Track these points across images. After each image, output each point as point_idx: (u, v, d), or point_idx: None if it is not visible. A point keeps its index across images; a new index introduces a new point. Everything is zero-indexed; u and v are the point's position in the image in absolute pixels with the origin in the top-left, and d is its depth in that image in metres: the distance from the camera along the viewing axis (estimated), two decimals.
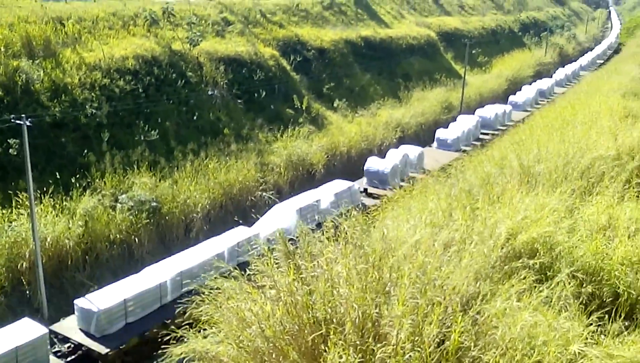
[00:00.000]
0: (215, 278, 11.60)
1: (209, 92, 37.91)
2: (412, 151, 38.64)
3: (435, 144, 44.40)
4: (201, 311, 11.50)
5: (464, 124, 46.86)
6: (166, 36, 39.37)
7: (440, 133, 44.60)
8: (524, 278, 10.92)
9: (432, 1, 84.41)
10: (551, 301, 10.55)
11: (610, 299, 11.77)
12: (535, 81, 70.79)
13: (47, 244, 23.86)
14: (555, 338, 9.58)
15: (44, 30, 32.76)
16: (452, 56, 70.19)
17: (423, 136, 47.19)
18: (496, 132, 48.69)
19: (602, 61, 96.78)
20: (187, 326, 11.50)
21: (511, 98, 60.97)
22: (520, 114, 56.10)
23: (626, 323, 10.80)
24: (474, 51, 71.39)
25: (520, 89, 64.99)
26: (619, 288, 11.83)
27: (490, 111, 52.36)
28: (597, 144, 19.89)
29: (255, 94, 40.71)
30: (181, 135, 34.27)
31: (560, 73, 77.50)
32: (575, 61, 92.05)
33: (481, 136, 47.73)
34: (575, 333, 9.82)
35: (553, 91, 69.07)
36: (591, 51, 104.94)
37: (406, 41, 63.75)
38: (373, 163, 35.73)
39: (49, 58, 31.65)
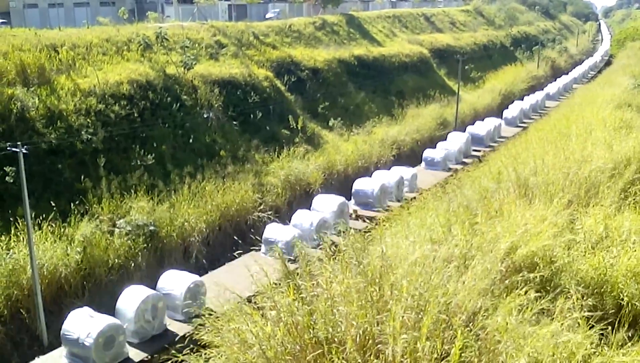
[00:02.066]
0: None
1: (204, 115, 37.98)
2: (404, 172, 37.92)
3: (423, 164, 43.43)
4: (202, 335, 11.44)
5: (454, 142, 46.33)
6: (160, 60, 39.51)
7: (428, 153, 43.70)
8: (525, 292, 10.89)
9: (424, 19, 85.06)
10: (553, 314, 10.52)
11: (612, 309, 11.74)
12: (527, 95, 70.43)
13: (45, 271, 23.73)
14: (558, 350, 9.54)
15: (38, 58, 32.86)
16: (445, 72, 70.55)
17: (419, 152, 47.18)
18: (487, 149, 48.08)
19: (594, 73, 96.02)
20: (189, 350, 11.43)
21: (505, 113, 60.85)
22: (513, 129, 55.91)
23: (629, 334, 10.76)
24: (466, 67, 71.80)
25: (513, 103, 64.94)
26: (622, 299, 11.81)
27: (481, 127, 51.79)
28: (592, 155, 19.96)
29: (251, 116, 40.80)
30: (177, 158, 34.27)
31: (552, 87, 77.31)
32: (567, 73, 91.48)
33: (473, 153, 47.13)
34: (579, 344, 9.78)
35: (544, 104, 69.02)
36: (581, 64, 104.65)
37: (399, 59, 64.12)
38: (361, 185, 35.11)
39: (44, 85, 31.71)
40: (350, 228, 14.26)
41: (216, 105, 39.24)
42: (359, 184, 35.07)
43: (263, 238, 27.82)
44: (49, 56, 33.79)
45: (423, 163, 43.29)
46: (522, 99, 67.53)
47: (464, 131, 51.29)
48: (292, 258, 20.01)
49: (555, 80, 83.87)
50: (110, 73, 35.46)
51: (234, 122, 39.85)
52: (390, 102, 56.12)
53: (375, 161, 44.25)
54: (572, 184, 17.55)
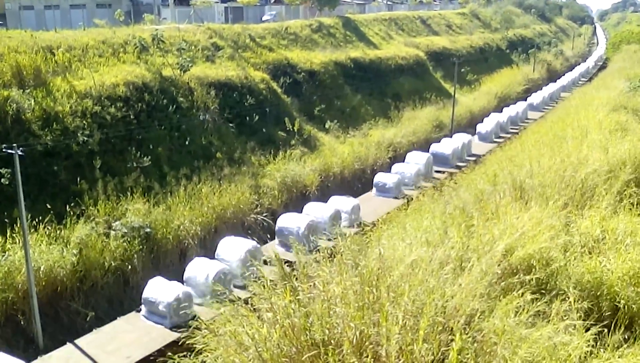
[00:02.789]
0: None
1: (201, 117, 37.96)
2: (344, 204, 32.52)
3: (373, 190, 38.23)
4: (197, 338, 11.42)
5: (411, 164, 40.91)
6: (156, 62, 39.50)
7: (380, 177, 38.32)
8: (522, 294, 10.90)
9: (420, 21, 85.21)
10: (550, 317, 10.54)
11: (608, 311, 11.77)
12: (508, 106, 65.22)
13: (41, 273, 23.68)
14: (555, 352, 9.55)
15: (34, 60, 32.82)
16: (441, 75, 70.68)
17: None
18: (453, 169, 41.83)
19: (585, 80, 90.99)
20: (186, 352, 11.41)
21: (478, 128, 54.59)
22: (486, 146, 50.28)
23: (625, 336, 10.78)
24: (463, 70, 71.93)
25: (489, 115, 58.54)
26: (618, 302, 11.83)
27: (447, 145, 45.92)
28: (588, 157, 20.01)
29: (247, 118, 40.81)
30: (174, 160, 34.24)
31: (537, 96, 71.31)
32: (556, 81, 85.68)
33: (435, 176, 41.60)
34: (575, 347, 9.79)
35: (526, 116, 63.38)
36: (571, 70, 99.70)
37: (395, 61, 64.22)
38: (286, 222, 29.47)
39: (40, 87, 31.67)
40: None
41: (212, 107, 39.24)
42: (283, 222, 29.57)
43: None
44: (44, 57, 33.74)
45: (374, 189, 38.19)
46: (501, 111, 61.55)
47: (463, 132, 51.15)
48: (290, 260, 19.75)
49: (542, 88, 78.37)
50: (107, 75, 35.43)
51: (230, 125, 39.84)
52: (386, 105, 56.21)
53: (371, 163, 44.28)
54: (568, 187, 17.58)
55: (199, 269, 24.81)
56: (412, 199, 31.72)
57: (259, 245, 26.33)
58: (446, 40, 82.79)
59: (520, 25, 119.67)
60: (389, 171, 39.88)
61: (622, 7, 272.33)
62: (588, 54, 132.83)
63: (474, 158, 45.23)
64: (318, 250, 12.01)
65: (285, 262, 12.52)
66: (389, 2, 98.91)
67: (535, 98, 70.47)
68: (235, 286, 23.85)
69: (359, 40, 65.12)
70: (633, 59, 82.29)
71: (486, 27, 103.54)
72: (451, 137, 49.47)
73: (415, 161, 41.33)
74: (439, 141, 47.67)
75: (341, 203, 32.62)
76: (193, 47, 43.96)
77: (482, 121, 56.15)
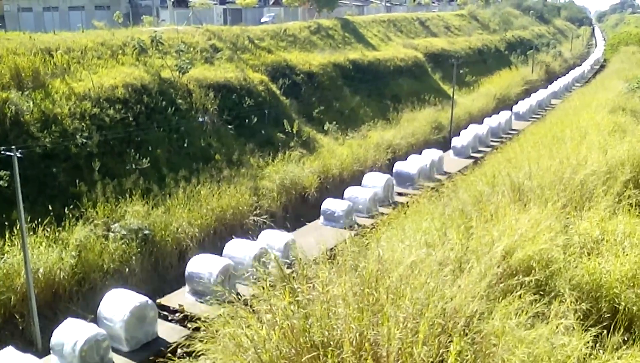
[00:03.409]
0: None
1: (199, 119, 37.94)
2: (278, 239, 28.05)
3: (321, 218, 33.88)
4: (196, 340, 11.41)
5: (367, 187, 36.74)
6: (155, 64, 39.49)
7: (328, 204, 33.39)
8: (521, 296, 10.91)
9: (418, 23, 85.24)
10: (549, 318, 10.54)
11: (608, 313, 11.78)
12: (497, 113, 61.74)
13: (39, 275, 23.65)
14: (554, 354, 9.55)
15: (32, 62, 32.79)
16: (440, 77, 70.70)
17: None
18: (417, 192, 34.42)
19: (580, 85, 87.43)
20: (184, 355, 11.40)
21: (454, 141, 50.09)
22: (461, 162, 45.79)
23: (625, 338, 10.79)
24: (461, 71, 71.96)
25: (468, 127, 53.53)
26: (617, 304, 11.84)
27: (414, 163, 41.13)
28: (587, 159, 20.03)
29: (246, 120, 40.79)
30: (172, 162, 34.22)
31: (523, 105, 66.87)
32: (547, 87, 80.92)
33: (397, 199, 37.19)
34: (574, 348, 9.80)
35: (510, 126, 59.67)
36: (564, 76, 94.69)
37: (394, 63, 64.22)
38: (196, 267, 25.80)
39: (38, 89, 31.65)
40: None
41: (211, 109, 39.23)
42: (193, 267, 25.79)
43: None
44: (43, 59, 33.72)
45: (321, 217, 33.98)
46: (482, 122, 57.12)
47: (459, 135, 50.95)
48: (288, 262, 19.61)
49: (530, 95, 73.91)
50: (105, 77, 35.42)
51: (229, 126, 39.83)
52: (385, 106, 56.20)
53: (370, 164, 44.27)
54: (566, 188, 17.60)
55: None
56: (366, 229, 21.82)
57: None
58: (445, 42, 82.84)
59: (519, 26, 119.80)
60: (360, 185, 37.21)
61: (621, 8, 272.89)
62: (586, 55, 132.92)
63: (445, 176, 39.84)
64: (239, 298, 11.59)
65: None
66: (387, 4, 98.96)
67: (522, 106, 66.12)
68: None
69: (357, 41, 65.13)
70: (631, 61, 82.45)
71: (485, 28, 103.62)
72: (421, 152, 46.32)
73: (373, 183, 37.15)
74: (405, 159, 43.93)
75: (272, 238, 28.19)
76: (192, 49, 43.96)
77: (458, 134, 51.85)
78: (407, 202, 28.20)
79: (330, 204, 33.44)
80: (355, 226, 29.84)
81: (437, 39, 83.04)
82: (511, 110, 64.73)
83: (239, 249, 26.95)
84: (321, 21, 64.98)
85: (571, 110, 41.97)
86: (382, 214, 31.29)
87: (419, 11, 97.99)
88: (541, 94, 74.80)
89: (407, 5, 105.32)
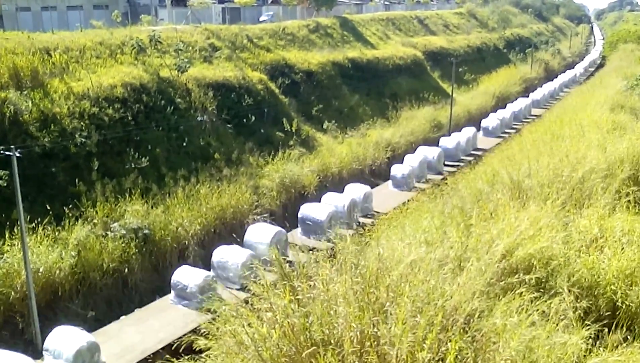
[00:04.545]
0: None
1: (198, 118, 37.93)
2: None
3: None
4: (197, 337, 11.44)
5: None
6: (154, 63, 39.46)
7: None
8: (521, 293, 10.91)
9: (417, 21, 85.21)
10: (549, 316, 10.55)
11: (608, 311, 11.79)
12: (496, 111, 59.78)
13: (39, 275, 23.65)
14: (554, 351, 9.56)
15: (31, 61, 32.75)
16: (439, 75, 70.70)
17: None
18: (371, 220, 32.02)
19: (567, 90, 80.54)
20: (183, 354, 11.42)
21: (402, 163, 41.65)
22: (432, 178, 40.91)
23: (626, 336, 10.81)
24: (460, 69, 71.97)
25: (440, 139, 48.56)
26: (617, 300, 11.85)
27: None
28: (586, 156, 20.03)
29: (245, 119, 40.77)
30: (172, 161, 34.21)
31: (493, 119, 57.87)
32: (528, 95, 73.00)
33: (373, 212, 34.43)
34: (574, 346, 9.80)
35: (475, 145, 51.62)
36: (553, 80, 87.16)
37: (393, 61, 64.22)
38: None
39: (37, 88, 31.62)
40: None
41: (210, 108, 39.21)
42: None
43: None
44: (42, 59, 33.68)
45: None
46: (460, 130, 51.35)
47: (456, 133, 50.56)
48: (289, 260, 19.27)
49: (509, 105, 65.63)
50: (104, 76, 35.39)
51: (228, 125, 39.83)
52: (384, 105, 56.21)
53: (369, 163, 44.28)
54: (566, 186, 17.60)
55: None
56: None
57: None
58: (444, 40, 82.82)
59: (518, 24, 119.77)
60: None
61: (619, 6, 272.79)
62: (585, 53, 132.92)
63: (394, 205, 33.14)
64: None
65: None
66: (386, 2, 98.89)
67: (491, 121, 57.18)
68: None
69: (356, 40, 65.11)
70: (630, 58, 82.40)
71: (483, 26, 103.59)
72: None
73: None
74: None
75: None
76: (190, 48, 43.93)
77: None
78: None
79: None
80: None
81: (436, 37, 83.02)
82: (479, 125, 57.01)
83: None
84: (320, 20, 64.96)
85: (570, 108, 41.95)
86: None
87: (417, 9, 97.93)
88: (519, 104, 66.30)
89: (406, 3, 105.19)
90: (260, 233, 28.95)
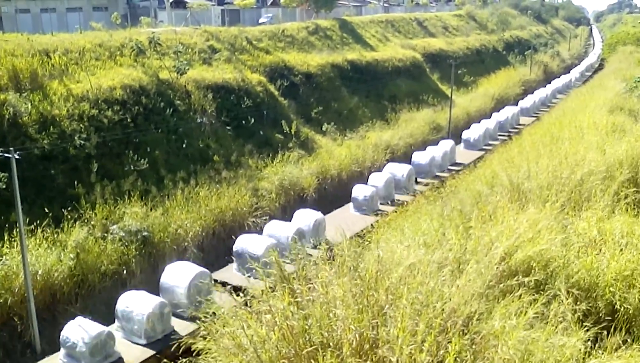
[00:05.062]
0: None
1: (198, 120, 37.93)
2: None
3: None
4: (196, 339, 11.42)
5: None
6: (153, 65, 39.47)
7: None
8: (520, 296, 10.92)
9: (416, 23, 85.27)
10: (548, 318, 10.55)
11: (607, 314, 11.78)
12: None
13: (38, 277, 23.60)
14: (552, 354, 9.56)
15: (30, 63, 32.76)
16: (438, 77, 70.72)
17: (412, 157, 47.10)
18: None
19: (555, 102, 72.66)
20: (181, 357, 11.41)
21: (371, 180, 37.24)
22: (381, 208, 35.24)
23: (626, 338, 10.80)
24: (459, 71, 71.98)
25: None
26: (615, 303, 11.85)
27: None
28: (585, 159, 20.05)
29: (244, 121, 40.76)
30: (171, 163, 34.20)
31: (490, 121, 55.36)
32: (516, 104, 67.64)
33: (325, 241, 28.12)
34: (573, 348, 9.80)
35: (455, 160, 46.12)
36: (545, 86, 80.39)
37: (392, 63, 64.24)
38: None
39: (36, 90, 31.61)
40: None
41: (209, 110, 39.20)
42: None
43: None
44: (41, 61, 33.69)
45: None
46: (437, 144, 46.33)
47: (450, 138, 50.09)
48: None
49: (498, 111, 61.71)
50: (103, 78, 35.39)
51: (228, 127, 39.82)
52: (383, 107, 56.21)
53: (369, 165, 44.27)
54: (565, 188, 17.62)
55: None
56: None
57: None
58: (443, 42, 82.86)
59: (517, 26, 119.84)
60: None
61: (618, 8, 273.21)
62: (584, 55, 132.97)
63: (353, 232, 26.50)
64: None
65: None
66: (385, 4, 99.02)
67: (472, 133, 51.56)
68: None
69: (355, 42, 65.15)
70: (629, 60, 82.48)
71: (482, 28, 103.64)
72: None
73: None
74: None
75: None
76: (190, 50, 43.95)
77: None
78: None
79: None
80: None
81: (435, 39, 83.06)
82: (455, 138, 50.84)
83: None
84: (319, 22, 65.00)
85: (569, 110, 41.96)
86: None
87: (416, 11, 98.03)
88: (505, 113, 59.63)
89: (405, 5, 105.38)
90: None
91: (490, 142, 51.80)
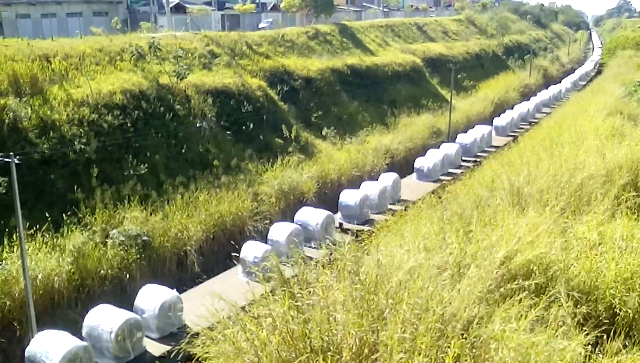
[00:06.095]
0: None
1: (198, 125, 37.95)
2: None
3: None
4: (196, 344, 11.40)
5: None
6: (153, 70, 39.50)
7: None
8: (520, 300, 10.90)
9: (416, 28, 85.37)
10: (548, 322, 10.54)
11: (608, 318, 11.77)
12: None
13: (38, 282, 23.59)
14: (552, 357, 9.54)
15: (30, 68, 32.80)
16: (437, 81, 70.76)
17: (412, 161, 47.13)
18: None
19: (548, 111, 70.08)
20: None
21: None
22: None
23: (626, 343, 10.79)
24: (459, 76, 72.01)
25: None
26: (615, 306, 11.84)
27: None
28: (585, 163, 20.05)
29: (244, 125, 40.78)
30: (171, 168, 34.21)
31: (468, 136, 52.78)
32: (505, 111, 65.58)
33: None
34: (573, 352, 9.79)
35: (448, 171, 45.76)
36: (540, 92, 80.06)
37: (392, 68, 64.30)
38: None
39: (37, 95, 31.64)
40: None
41: (209, 115, 39.22)
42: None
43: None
44: (41, 66, 33.73)
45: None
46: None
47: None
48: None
49: (470, 131, 55.28)
50: (103, 83, 35.42)
51: (227, 132, 39.83)
52: (383, 111, 56.23)
53: (369, 169, 44.26)
54: (565, 192, 17.61)
55: None
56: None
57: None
58: (442, 47, 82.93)
59: (516, 31, 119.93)
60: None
61: (617, 12, 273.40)
62: (584, 59, 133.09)
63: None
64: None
65: None
66: (385, 9, 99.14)
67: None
68: None
69: (355, 47, 65.22)
70: (628, 65, 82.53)
71: (482, 33, 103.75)
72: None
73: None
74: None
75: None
76: (190, 55, 44.00)
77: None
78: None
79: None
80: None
81: (434, 44, 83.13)
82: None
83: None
84: (319, 26, 65.08)
85: (569, 114, 41.99)
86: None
87: (416, 16, 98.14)
88: (480, 131, 54.50)
89: (405, 10, 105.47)
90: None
91: (451, 170, 46.24)
